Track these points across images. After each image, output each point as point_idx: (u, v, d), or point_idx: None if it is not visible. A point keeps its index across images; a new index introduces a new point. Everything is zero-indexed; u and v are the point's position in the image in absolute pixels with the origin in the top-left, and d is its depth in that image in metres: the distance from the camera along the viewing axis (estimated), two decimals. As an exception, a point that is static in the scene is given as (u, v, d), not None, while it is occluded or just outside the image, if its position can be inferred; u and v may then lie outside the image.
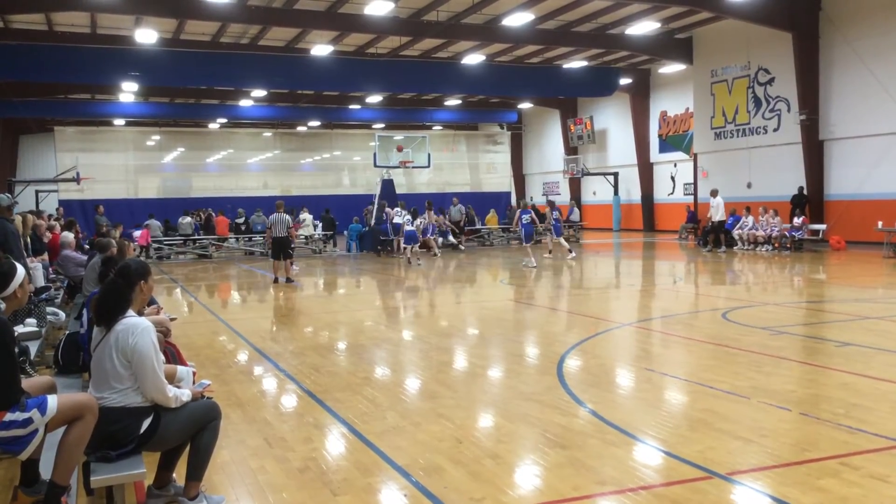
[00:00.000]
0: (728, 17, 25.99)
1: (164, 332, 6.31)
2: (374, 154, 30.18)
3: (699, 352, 9.23)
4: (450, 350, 9.74)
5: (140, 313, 4.70)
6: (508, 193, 41.68)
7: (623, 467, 5.11)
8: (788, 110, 26.41)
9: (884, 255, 19.84)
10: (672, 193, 34.72)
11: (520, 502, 4.57)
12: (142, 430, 4.26)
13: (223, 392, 7.27)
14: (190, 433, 4.45)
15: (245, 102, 37.76)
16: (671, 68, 32.47)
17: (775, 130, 27.26)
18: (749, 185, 28.17)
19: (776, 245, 23.25)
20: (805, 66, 24.89)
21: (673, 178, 34.63)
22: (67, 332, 7.20)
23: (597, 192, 39.94)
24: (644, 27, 27.30)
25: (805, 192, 25.00)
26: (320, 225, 29.03)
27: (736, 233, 25.07)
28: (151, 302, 7.49)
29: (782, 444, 5.53)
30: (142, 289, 4.54)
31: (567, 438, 5.74)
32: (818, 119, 25.10)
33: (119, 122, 39.90)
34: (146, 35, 24.91)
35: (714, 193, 23.61)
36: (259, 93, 35.73)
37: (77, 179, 32.70)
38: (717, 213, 24.51)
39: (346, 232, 29.71)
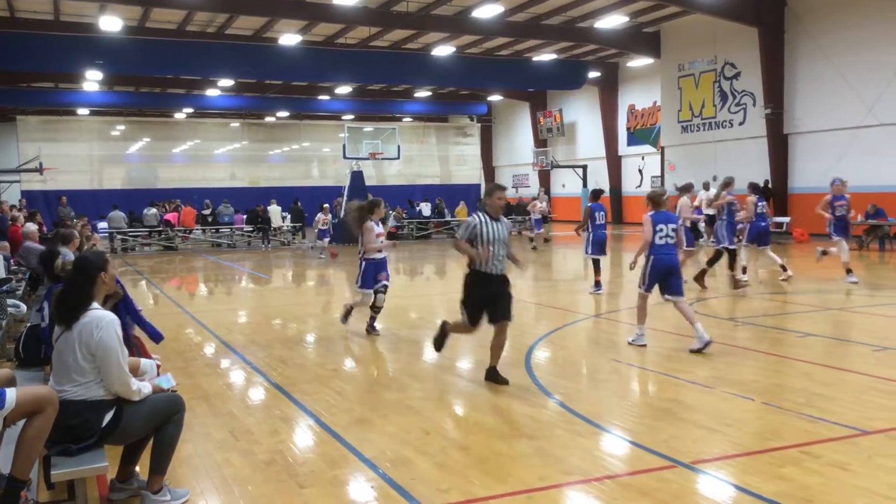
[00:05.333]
0: (695, 12, 26.22)
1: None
2: (344, 145, 29.99)
3: (664, 342, 9.32)
4: (418, 342, 9.73)
5: (107, 300, 4.64)
6: (478, 186, 41.74)
7: (589, 457, 5.16)
8: (754, 104, 26.75)
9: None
10: (640, 186, 35.00)
11: (486, 493, 4.59)
12: (104, 424, 4.21)
13: (188, 385, 7.20)
14: (153, 426, 4.40)
15: (212, 92, 37.30)
16: (639, 62, 32.69)
17: (741, 124, 27.60)
18: (715, 179, 28.45)
19: (740, 237, 23.54)
20: (770, 61, 25.21)
21: (641, 171, 34.91)
22: (29, 324, 7.07)
23: (566, 184, 40.15)
24: (612, 21, 27.46)
25: (769, 185, 25.34)
26: (289, 217, 28.82)
27: (701, 226, 25.29)
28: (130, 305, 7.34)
29: (745, 433, 5.62)
30: (103, 280, 4.47)
31: (534, 429, 5.77)
32: (783, 113, 25.46)
33: (83, 111, 39.20)
34: (111, 22, 24.49)
35: (706, 186, 23.35)
36: (226, 82, 35.32)
37: (40, 170, 32.08)
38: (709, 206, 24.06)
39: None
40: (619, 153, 36.27)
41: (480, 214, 7.08)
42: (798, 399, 6.37)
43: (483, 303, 7.07)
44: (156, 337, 6.06)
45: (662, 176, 31.39)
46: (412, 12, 25.95)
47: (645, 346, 8.47)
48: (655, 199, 8.69)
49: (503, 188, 7.36)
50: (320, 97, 40.65)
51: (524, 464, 5.05)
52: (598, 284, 13.30)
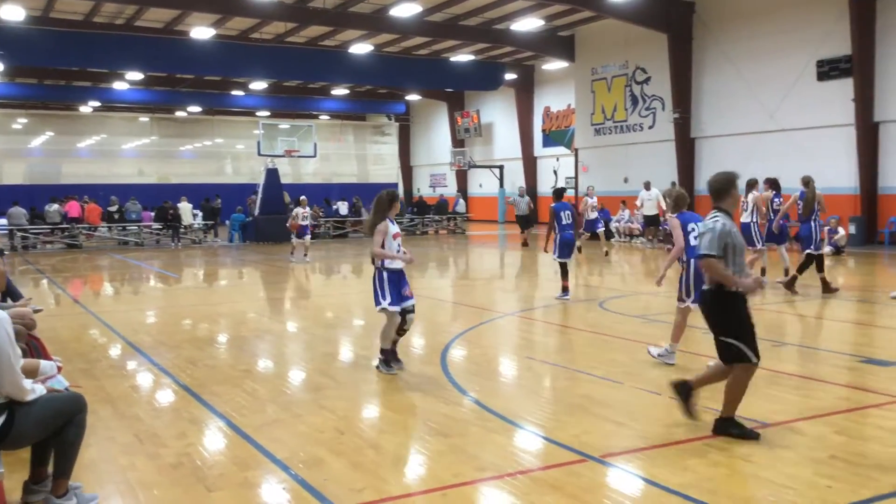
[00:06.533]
0: (608, 17, 26.85)
1: (28, 324, 5.93)
2: (259, 142, 29.49)
3: (577, 340, 9.52)
4: (334, 341, 9.65)
5: (4, 297, 4.41)
6: (396, 185, 41.69)
7: (503, 453, 5.20)
8: (663, 109, 27.59)
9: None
10: (555, 187, 35.58)
11: (401, 491, 4.57)
12: (-5, 429, 4.00)
13: (92, 387, 6.92)
14: (52, 428, 4.21)
15: (120, 85, 36.03)
16: (554, 65, 33.27)
17: (651, 128, 28.42)
18: (626, 180, 29.23)
19: (650, 237, 24.22)
20: (679, 67, 26.04)
21: (555, 172, 35.49)
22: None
23: (483, 184, 40.49)
24: (528, 24, 27.86)
25: (677, 186, 26.16)
26: (200, 214, 28.11)
27: (613, 226, 25.97)
28: (17, 295, 7.01)
29: (653, 426, 5.77)
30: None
31: (449, 427, 5.78)
32: (690, 118, 26.34)
33: (-19, 103, 37.34)
34: (13, 12, 23.31)
35: (647, 186, 23.65)
36: (135, 76, 34.14)
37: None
38: (649, 206, 23.17)
39: (228, 222, 28.91)
40: (535, 154, 36.83)
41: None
42: (703, 393, 6.57)
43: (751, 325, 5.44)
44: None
45: (576, 177, 32.01)
46: (329, 9, 25.69)
47: (673, 364, 7.45)
48: (680, 200, 7.77)
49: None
50: (234, 92, 39.81)
51: (439, 461, 5.05)
52: (565, 290, 12.21)
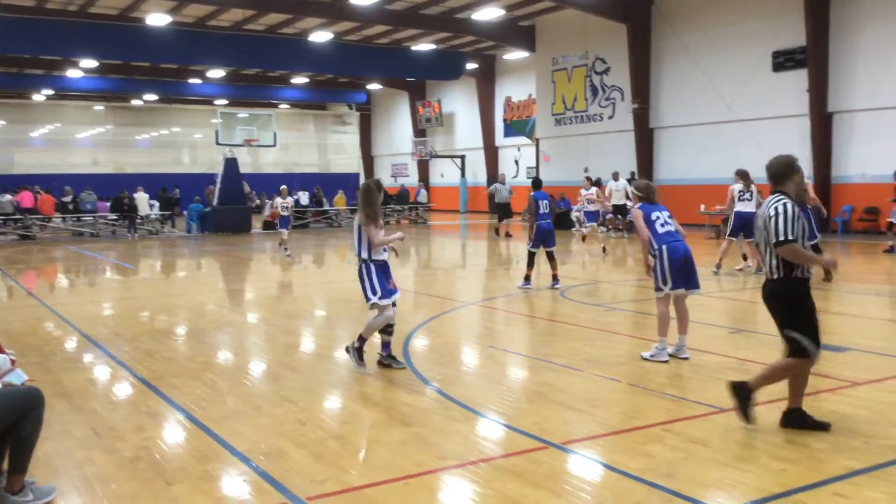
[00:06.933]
0: (568, 7, 26.98)
1: None
2: (217, 131, 29.08)
3: (538, 328, 9.59)
4: (295, 332, 9.59)
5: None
6: (357, 175, 41.52)
7: (465, 441, 5.22)
8: (622, 99, 27.84)
9: (705, 236, 21.32)
10: (516, 177, 35.74)
11: (363, 481, 4.57)
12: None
13: (47, 381, 6.78)
14: (7, 423, 4.12)
15: (74, 73, 35.25)
16: (515, 55, 33.34)
17: (610, 118, 28.66)
18: (586, 170, 29.39)
19: (609, 227, 24.45)
20: (637, 58, 26.28)
21: (517, 162, 35.66)
22: None
23: (444, 174, 40.50)
24: (489, 13, 27.87)
25: (636, 176, 26.44)
26: (157, 204, 27.67)
27: (574, 215, 26.12)
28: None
29: (612, 413, 5.84)
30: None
31: (411, 416, 5.79)
32: (649, 108, 26.62)
33: (-73, 90, 36.27)
34: (-41, -4, 22.71)
35: (615, 177, 23.70)
36: (89, 63, 33.42)
37: None
38: (617, 196, 22.75)
39: (185, 212, 28.51)
40: (497, 144, 36.92)
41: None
42: (661, 380, 6.68)
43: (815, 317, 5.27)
44: None
45: (537, 167, 32.16)
46: (288, -4, 25.43)
47: (667, 361, 7.23)
48: (645, 190, 7.68)
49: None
50: (191, 80, 39.21)
51: (401, 451, 5.05)
52: (528, 279, 12.19)
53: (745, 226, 12.92)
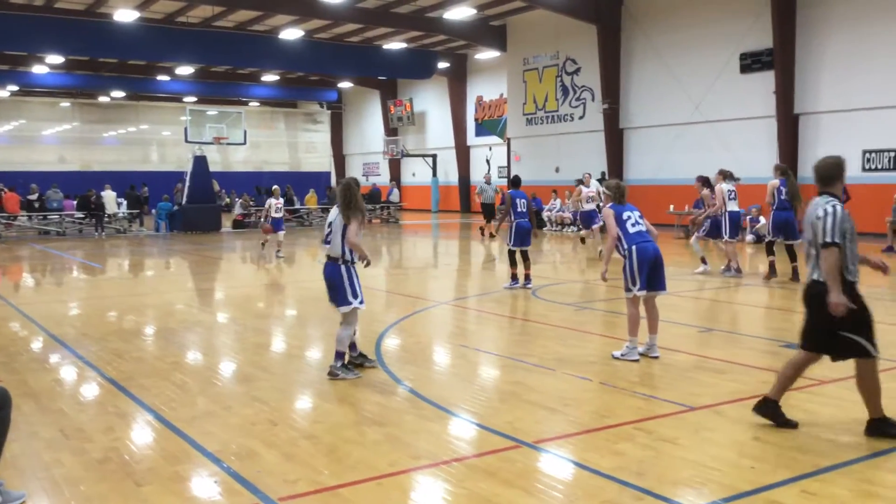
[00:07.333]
0: (539, 8, 27.09)
1: None
2: (186, 129, 28.76)
3: (510, 328, 9.63)
4: (266, 332, 9.52)
5: None
6: (328, 173, 41.31)
7: (438, 441, 5.22)
8: (593, 99, 28.02)
9: (674, 236, 21.55)
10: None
11: (336, 481, 4.55)
12: None
13: (13, 382, 6.67)
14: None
15: (39, 69, 34.64)
16: (487, 55, 33.40)
17: (581, 118, 28.83)
18: (557, 170, 29.62)
19: (580, 227, 24.60)
20: (608, 58, 26.46)
21: (488, 162, 35.71)
22: None
23: (416, 173, 40.46)
24: (461, 13, 27.89)
25: (606, 177, 26.63)
26: (125, 203, 27.30)
27: (545, 215, 26.29)
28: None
29: (584, 412, 5.88)
30: None
31: (384, 416, 5.78)
32: (619, 108, 26.81)
33: None
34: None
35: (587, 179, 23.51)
36: (56, 59, 32.88)
37: None
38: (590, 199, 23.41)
39: (154, 210, 28.17)
40: (468, 143, 36.97)
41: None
42: (632, 378, 6.74)
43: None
44: None
45: (509, 166, 32.26)
46: (259, -7, 25.23)
47: (637, 360, 7.26)
48: (617, 191, 7.67)
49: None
50: (159, 77, 38.76)
51: (374, 450, 5.04)
52: (514, 278, 12.16)
53: (735, 225, 13.09)
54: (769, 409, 5.35)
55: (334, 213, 6.95)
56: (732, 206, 13.20)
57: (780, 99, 21.79)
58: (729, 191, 13.17)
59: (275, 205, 18.05)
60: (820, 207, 5.10)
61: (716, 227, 13.33)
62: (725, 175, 13.31)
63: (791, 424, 5.29)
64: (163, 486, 4.50)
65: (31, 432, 5.45)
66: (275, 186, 19.24)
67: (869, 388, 5.11)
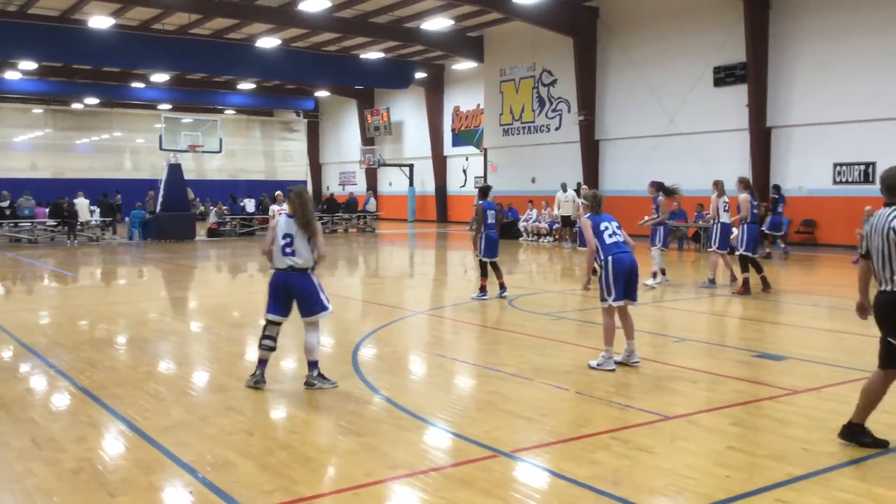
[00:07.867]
0: (516, 19, 27.25)
1: None
2: (161, 136, 28.54)
3: (487, 337, 9.64)
4: (241, 341, 9.44)
5: None
6: (304, 182, 41.15)
7: (415, 451, 5.21)
8: (569, 111, 28.23)
9: (648, 247, 21.70)
10: (464, 186, 35.94)
11: (312, 492, 4.52)
12: None
13: (-18, 392, 6.57)
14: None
15: (11, 75, 34.25)
16: (464, 65, 33.55)
17: (557, 129, 29.03)
18: (533, 181, 29.76)
19: (556, 237, 24.73)
20: (584, 70, 26.69)
21: (465, 172, 35.83)
22: None
23: (393, 182, 40.45)
24: (438, 23, 28.01)
25: (582, 187, 26.81)
26: (98, 210, 26.99)
27: (521, 225, 26.39)
28: None
29: (561, 421, 5.90)
30: None
31: (361, 425, 5.76)
32: (595, 120, 27.03)
33: None
34: None
35: (564, 187, 23.78)
36: (28, 65, 32.52)
37: None
38: (566, 207, 22.97)
39: (127, 218, 27.88)
40: (445, 153, 37.05)
41: None
42: (608, 388, 6.78)
43: None
44: None
45: (485, 176, 32.37)
46: (234, 1, 25.15)
47: (613, 370, 7.27)
48: (595, 201, 7.68)
49: None
50: (134, 84, 38.48)
51: (350, 460, 5.02)
52: (483, 290, 12.08)
53: (724, 237, 13.15)
54: (856, 433, 5.17)
55: (288, 223, 6.75)
56: (726, 218, 13.29)
57: (752, 112, 22.09)
58: (724, 202, 13.21)
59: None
60: (894, 219, 4.93)
61: (724, 240, 13.26)
62: (746, 184, 12.94)
63: (881, 444, 5.10)
64: (137, 496, 4.45)
65: (2, 442, 5.36)
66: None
67: (874, 396, 5.11)
